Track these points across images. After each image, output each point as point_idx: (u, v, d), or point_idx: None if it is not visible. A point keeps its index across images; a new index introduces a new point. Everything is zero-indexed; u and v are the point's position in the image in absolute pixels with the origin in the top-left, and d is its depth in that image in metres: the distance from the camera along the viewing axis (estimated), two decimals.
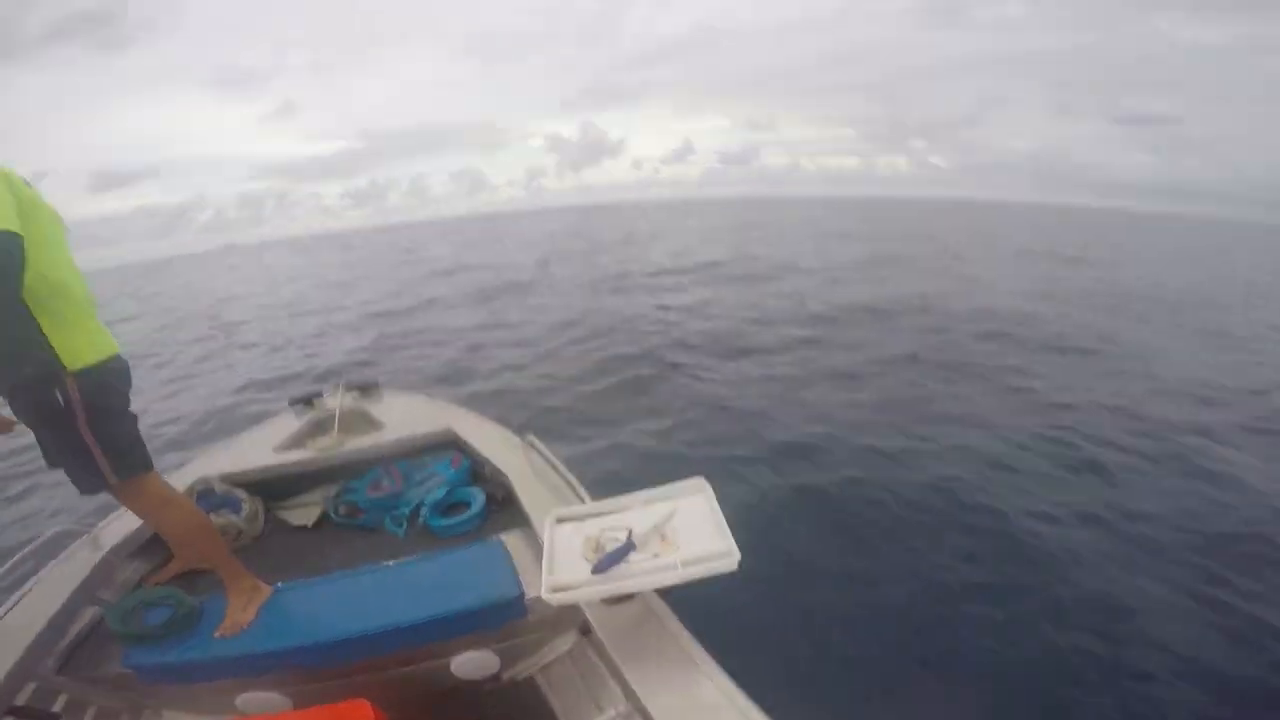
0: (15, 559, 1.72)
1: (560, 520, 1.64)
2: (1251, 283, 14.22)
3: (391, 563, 1.83)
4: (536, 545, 1.71)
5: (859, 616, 2.52)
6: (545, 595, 1.36)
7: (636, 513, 1.58)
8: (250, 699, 1.53)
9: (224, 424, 5.50)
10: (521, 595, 1.59)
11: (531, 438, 2.34)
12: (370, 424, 2.81)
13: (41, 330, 1.39)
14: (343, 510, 2.29)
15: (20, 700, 1.47)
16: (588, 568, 1.40)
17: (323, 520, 2.31)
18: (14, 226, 1.30)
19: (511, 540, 1.85)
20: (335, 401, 2.95)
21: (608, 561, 1.39)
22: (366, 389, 3.15)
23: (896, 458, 3.81)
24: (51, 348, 1.40)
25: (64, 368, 1.41)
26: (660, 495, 1.63)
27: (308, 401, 3.04)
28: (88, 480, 1.53)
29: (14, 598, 1.68)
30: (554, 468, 2.13)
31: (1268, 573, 2.74)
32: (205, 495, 2.28)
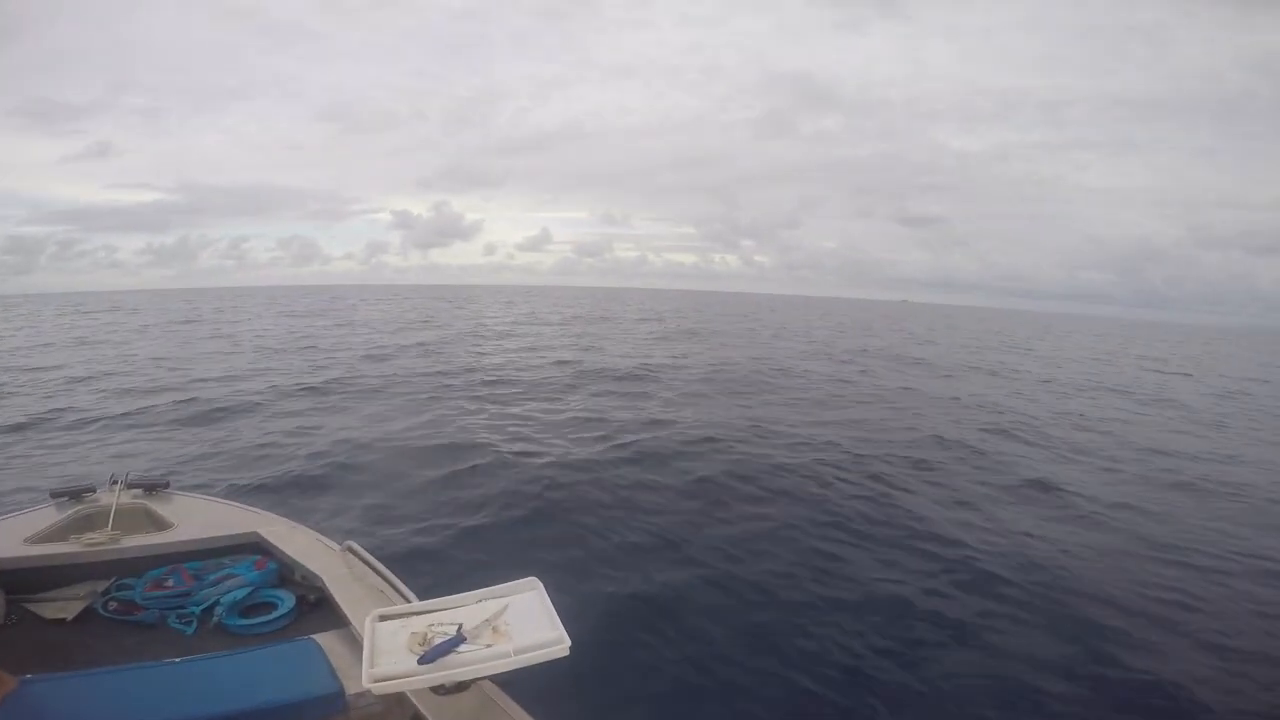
0: None
1: (383, 618, 1.58)
2: None
3: (178, 659, 1.61)
4: (355, 645, 1.62)
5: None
6: (367, 684, 1.31)
7: (467, 609, 1.58)
8: None
9: None
10: (340, 692, 1.49)
11: (352, 544, 2.21)
12: (155, 523, 2.47)
13: None
14: (113, 606, 1.98)
15: None
16: (414, 659, 1.38)
17: (88, 615, 1.96)
18: None
19: (326, 640, 1.72)
20: (111, 498, 2.53)
21: (435, 653, 1.38)
22: (152, 488, 2.72)
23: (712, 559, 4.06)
24: None
25: None
26: (492, 594, 1.64)
27: (74, 495, 2.57)
28: None
29: None
30: (378, 573, 2.02)
31: None
32: None
